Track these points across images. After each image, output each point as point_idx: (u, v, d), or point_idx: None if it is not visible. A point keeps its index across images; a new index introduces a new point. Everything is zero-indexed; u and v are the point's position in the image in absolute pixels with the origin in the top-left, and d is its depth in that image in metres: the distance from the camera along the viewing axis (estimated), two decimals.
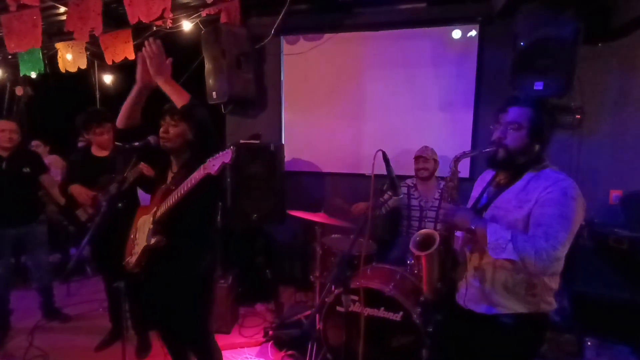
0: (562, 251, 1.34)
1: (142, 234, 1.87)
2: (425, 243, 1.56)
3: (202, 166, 1.64)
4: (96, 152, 2.78)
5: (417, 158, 3.14)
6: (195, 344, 2.04)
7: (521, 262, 1.34)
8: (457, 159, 1.56)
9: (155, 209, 1.84)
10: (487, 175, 1.69)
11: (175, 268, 1.88)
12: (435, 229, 1.62)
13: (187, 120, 1.86)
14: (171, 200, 1.76)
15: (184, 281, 1.89)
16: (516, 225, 1.43)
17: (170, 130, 1.85)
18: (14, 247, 3.05)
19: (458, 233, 1.63)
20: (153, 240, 1.79)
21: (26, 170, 2.98)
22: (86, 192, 2.69)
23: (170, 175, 1.94)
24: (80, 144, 2.93)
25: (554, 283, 1.50)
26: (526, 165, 1.49)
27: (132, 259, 1.88)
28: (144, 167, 2.27)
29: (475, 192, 1.70)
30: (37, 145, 4.35)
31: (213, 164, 1.60)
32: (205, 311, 2.01)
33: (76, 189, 2.71)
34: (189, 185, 1.69)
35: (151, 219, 1.83)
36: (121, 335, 2.12)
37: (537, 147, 1.48)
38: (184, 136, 1.87)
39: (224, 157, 1.59)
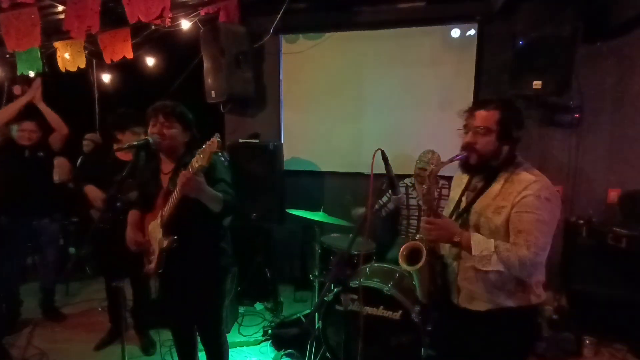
0: (544, 255, 1.40)
1: (155, 240, 1.89)
2: (413, 255, 1.57)
3: (192, 160, 1.64)
4: (121, 155, 2.70)
5: (418, 172, 3.08)
6: (209, 337, 2.09)
7: (506, 270, 1.40)
8: (430, 173, 1.57)
9: (160, 212, 1.85)
10: (464, 176, 1.70)
11: (192, 264, 1.91)
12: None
13: (181, 121, 1.87)
14: (172, 201, 1.77)
15: (201, 276, 1.93)
16: (497, 231, 1.46)
17: (165, 132, 1.84)
18: (29, 242, 3.12)
19: None
20: (166, 243, 1.82)
21: (41, 154, 3.05)
22: (101, 196, 2.68)
23: (163, 177, 1.94)
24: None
25: (541, 275, 1.53)
26: (499, 167, 1.51)
27: (152, 266, 1.91)
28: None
29: (454, 193, 1.72)
30: None
31: (202, 156, 1.60)
32: (221, 304, 2.07)
33: (92, 191, 2.69)
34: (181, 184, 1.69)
35: (159, 222, 1.85)
36: (120, 334, 2.13)
37: (507, 148, 1.49)
38: (178, 137, 1.88)
39: (211, 147, 1.58)
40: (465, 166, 1.55)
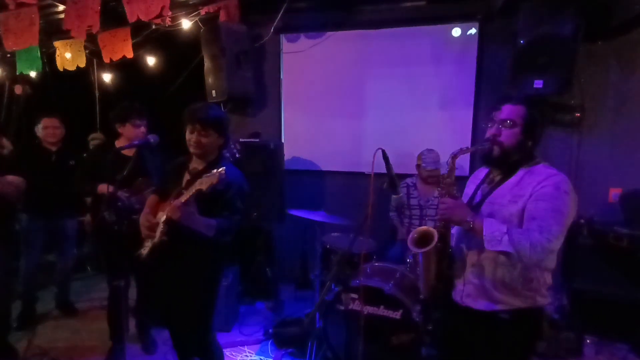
0: (556, 244, 1.38)
1: (157, 230, 1.88)
2: (423, 240, 1.57)
3: (198, 181, 1.66)
4: (126, 151, 2.59)
5: (430, 174, 3.07)
6: (198, 345, 2.05)
7: (516, 254, 1.37)
8: (454, 156, 1.57)
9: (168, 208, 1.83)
10: (480, 172, 1.71)
11: (183, 269, 1.91)
12: (435, 226, 1.62)
13: (217, 129, 1.89)
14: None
15: (190, 282, 1.92)
16: (511, 219, 1.46)
17: (203, 141, 1.87)
18: (46, 242, 3.17)
19: (453, 230, 1.64)
20: (157, 240, 1.82)
21: (72, 162, 3.11)
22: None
23: (187, 174, 1.94)
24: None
25: (548, 278, 1.53)
26: (519, 162, 1.53)
27: (144, 251, 1.91)
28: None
29: (469, 189, 1.72)
30: None
31: (206, 182, 1.63)
32: (208, 313, 2.02)
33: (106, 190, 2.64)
34: (186, 196, 1.72)
35: (164, 217, 1.84)
36: (120, 335, 2.12)
37: (529, 143, 1.52)
38: (215, 144, 1.92)
39: (212, 178, 1.61)
40: (487, 158, 1.57)
